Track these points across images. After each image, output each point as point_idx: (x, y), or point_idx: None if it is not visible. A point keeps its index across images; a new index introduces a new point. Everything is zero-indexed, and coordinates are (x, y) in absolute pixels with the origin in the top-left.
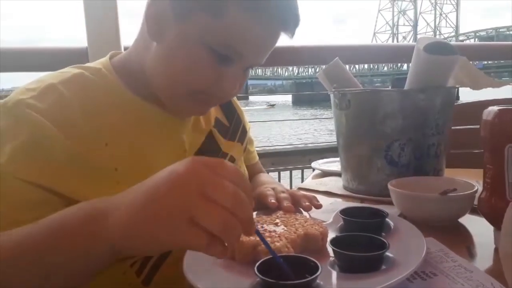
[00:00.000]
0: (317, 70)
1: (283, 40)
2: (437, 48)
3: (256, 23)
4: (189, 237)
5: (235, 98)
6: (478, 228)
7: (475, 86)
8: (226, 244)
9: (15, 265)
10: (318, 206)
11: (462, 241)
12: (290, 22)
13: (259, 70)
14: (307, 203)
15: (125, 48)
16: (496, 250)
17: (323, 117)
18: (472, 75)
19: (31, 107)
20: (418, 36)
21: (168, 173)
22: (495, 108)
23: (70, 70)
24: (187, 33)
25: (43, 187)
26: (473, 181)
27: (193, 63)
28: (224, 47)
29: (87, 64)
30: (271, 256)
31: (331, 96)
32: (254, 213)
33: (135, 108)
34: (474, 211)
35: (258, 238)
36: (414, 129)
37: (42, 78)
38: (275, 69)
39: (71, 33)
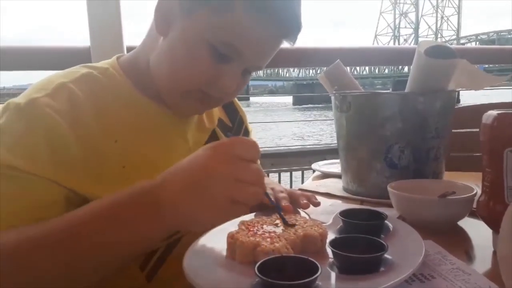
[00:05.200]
0: (318, 71)
1: (284, 43)
2: (438, 52)
3: (260, 24)
4: (234, 212)
5: (237, 100)
6: (477, 231)
7: (476, 86)
8: None
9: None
10: (317, 204)
11: (461, 244)
12: (293, 28)
13: (260, 71)
14: (305, 201)
15: (128, 48)
16: (494, 253)
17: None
18: (473, 76)
19: (47, 105)
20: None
21: (202, 165)
22: (494, 112)
23: (78, 70)
24: (191, 28)
25: (60, 185)
26: (472, 184)
27: (193, 58)
28: (225, 45)
29: (94, 64)
30: (271, 257)
31: (332, 98)
32: (253, 214)
33: (142, 107)
34: (473, 214)
35: (258, 239)
36: (414, 132)
37: (49, 77)
38: (276, 70)
39: (74, 35)
